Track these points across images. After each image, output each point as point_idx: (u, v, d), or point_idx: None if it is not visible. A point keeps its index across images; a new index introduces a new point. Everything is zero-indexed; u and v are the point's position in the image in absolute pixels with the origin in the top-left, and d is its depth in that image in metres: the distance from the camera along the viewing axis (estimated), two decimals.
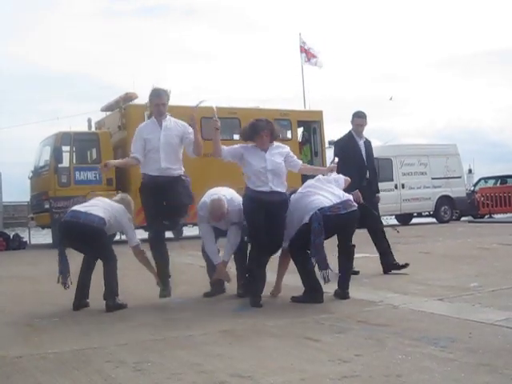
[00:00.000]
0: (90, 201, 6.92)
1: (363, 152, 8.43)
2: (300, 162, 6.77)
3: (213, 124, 6.30)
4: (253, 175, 6.31)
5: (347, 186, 7.17)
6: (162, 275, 6.73)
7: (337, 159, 6.97)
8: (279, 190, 6.32)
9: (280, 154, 6.44)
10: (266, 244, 6.27)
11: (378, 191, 8.94)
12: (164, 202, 6.63)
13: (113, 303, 6.33)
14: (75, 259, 6.70)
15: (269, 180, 6.24)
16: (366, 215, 7.79)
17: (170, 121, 6.71)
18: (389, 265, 8.31)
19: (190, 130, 6.57)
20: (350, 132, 8.48)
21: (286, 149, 6.60)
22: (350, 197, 6.58)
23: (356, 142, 8.39)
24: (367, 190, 8.21)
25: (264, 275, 6.39)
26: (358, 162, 8.28)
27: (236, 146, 6.54)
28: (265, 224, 6.22)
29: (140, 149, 6.65)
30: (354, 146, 8.37)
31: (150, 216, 6.74)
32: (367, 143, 8.59)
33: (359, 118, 8.44)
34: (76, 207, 6.73)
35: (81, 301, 6.51)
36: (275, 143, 6.51)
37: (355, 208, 6.44)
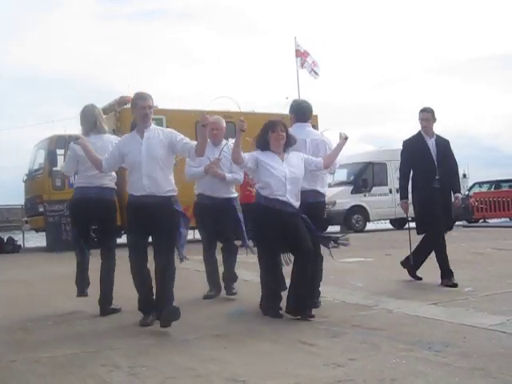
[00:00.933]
0: (79, 167, 6.51)
1: (433, 151, 7.76)
2: (320, 159, 6.22)
3: (238, 125, 5.73)
4: (269, 182, 5.89)
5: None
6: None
7: (345, 133, 6.49)
8: (294, 202, 5.92)
9: (298, 162, 6.03)
10: (278, 257, 5.99)
11: (458, 191, 8.18)
12: (148, 229, 5.79)
13: (107, 308, 6.33)
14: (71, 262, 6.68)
15: (287, 190, 5.85)
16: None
17: (153, 131, 5.82)
18: (413, 267, 8.14)
19: (180, 136, 5.81)
20: (418, 131, 7.91)
21: (301, 154, 6.16)
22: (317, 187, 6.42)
23: (424, 140, 7.81)
24: (439, 192, 7.72)
25: (278, 286, 6.01)
26: (426, 163, 7.74)
27: (251, 152, 6.09)
28: (277, 235, 5.86)
29: (110, 157, 5.95)
30: (421, 145, 7.80)
31: (130, 237, 5.97)
32: (439, 141, 7.87)
33: (422, 113, 7.83)
34: (81, 183, 6.52)
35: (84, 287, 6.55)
36: (292, 152, 6.09)
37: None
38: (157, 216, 5.65)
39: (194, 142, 5.74)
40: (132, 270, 5.86)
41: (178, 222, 5.78)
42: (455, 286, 7.28)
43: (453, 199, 8.11)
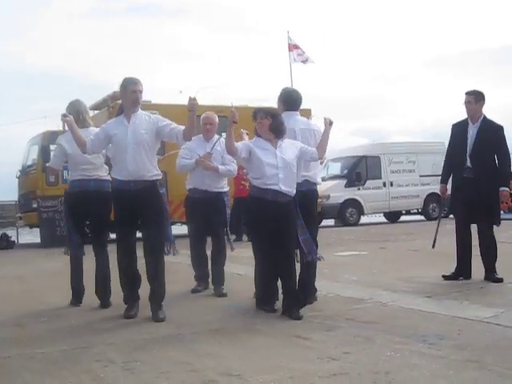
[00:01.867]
0: (70, 164, 6.58)
1: (470, 138, 7.27)
2: (314, 149, 6.03)
3: (230, 116, 5.61)
4: (261, 171, 5.76)
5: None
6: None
7: (329, 119, 6.15)
8: (288, 191, 5.76)
9: (292, 150, 5.89)
10: (273, 250, 5.77)
11: (503, 184, 7.31)
12: (135, 214, 5.83)
13: (108, 302, 6.41)
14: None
15: (279, 179, 5.71)
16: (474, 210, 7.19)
17: (140, 115, 5.81)
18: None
19: (166, 121, 5.81)
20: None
21: (298, 143, 6.00)
22: None
23: (465, 126, 7.37)
24: (471, 181, 7.15)
25: (273, 280, 5.88)
26: (458, 149, 7.35)
27: (245, 141, 6.06)
28: (272, 230, 5.70)
29: (95, 139, 5.89)
30: (461, 131, 7.40)
31: (118, 224, 5.92)
32: (485, 128, 7.29)
33: (465, 95, 7.34)
34: (77, 175, 6.48)
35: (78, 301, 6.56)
36: (287, 140, 5.95)
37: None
38: (144, 201, 5.69)
39: (182, 127, 5.70)
40: (120, 267, 5.93)
41: (165, 205, 5.86)
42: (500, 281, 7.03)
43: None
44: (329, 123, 6.14)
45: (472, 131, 7.31)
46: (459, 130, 7.45)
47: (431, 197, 22.37)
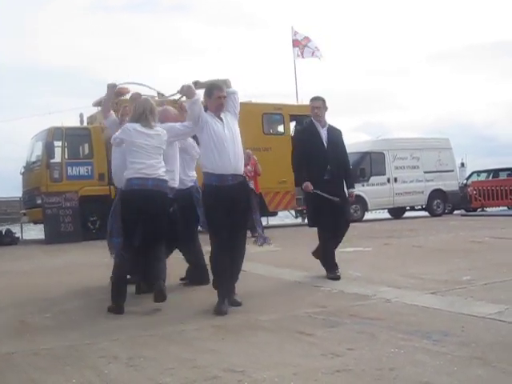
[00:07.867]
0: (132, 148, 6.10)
1: (324, 140, 7.45)
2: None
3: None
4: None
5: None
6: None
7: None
8: None
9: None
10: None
11: (351, 185, 7.84)
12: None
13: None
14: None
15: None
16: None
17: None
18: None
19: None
20: (310, 119, 7.70)
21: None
22: None
23: (316, 129, 7.51)
24: (329, 184, 7.35)
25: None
26: (317, 152, 7.41)
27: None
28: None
29: None
30: (313, 134, 7.51)
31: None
32: (331, 131, 7.56)
33: (312, 101, 7.57)
34: (139, 173, 5.94)
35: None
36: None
37: None
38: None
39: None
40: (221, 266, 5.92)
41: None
42: (338, 278, 7.25)
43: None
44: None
45: (324, 134, 7.50)
46: (310, 133, 7.59)
47: (435, 193, 22.40)
